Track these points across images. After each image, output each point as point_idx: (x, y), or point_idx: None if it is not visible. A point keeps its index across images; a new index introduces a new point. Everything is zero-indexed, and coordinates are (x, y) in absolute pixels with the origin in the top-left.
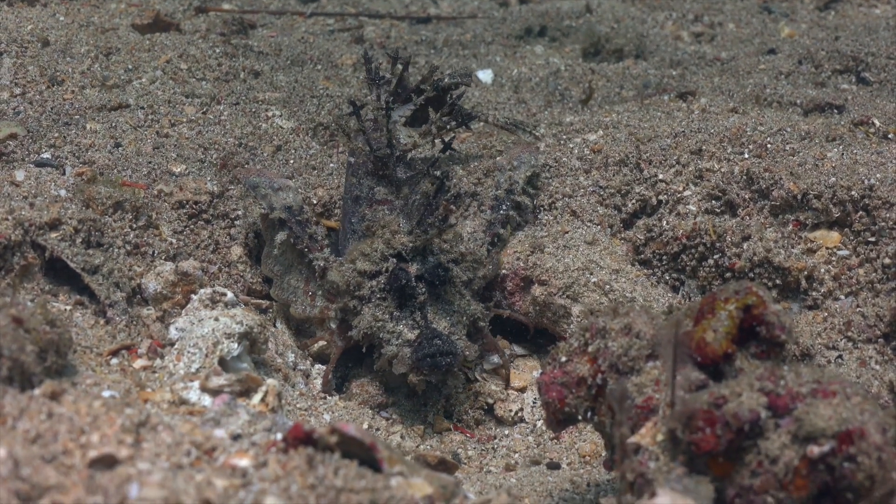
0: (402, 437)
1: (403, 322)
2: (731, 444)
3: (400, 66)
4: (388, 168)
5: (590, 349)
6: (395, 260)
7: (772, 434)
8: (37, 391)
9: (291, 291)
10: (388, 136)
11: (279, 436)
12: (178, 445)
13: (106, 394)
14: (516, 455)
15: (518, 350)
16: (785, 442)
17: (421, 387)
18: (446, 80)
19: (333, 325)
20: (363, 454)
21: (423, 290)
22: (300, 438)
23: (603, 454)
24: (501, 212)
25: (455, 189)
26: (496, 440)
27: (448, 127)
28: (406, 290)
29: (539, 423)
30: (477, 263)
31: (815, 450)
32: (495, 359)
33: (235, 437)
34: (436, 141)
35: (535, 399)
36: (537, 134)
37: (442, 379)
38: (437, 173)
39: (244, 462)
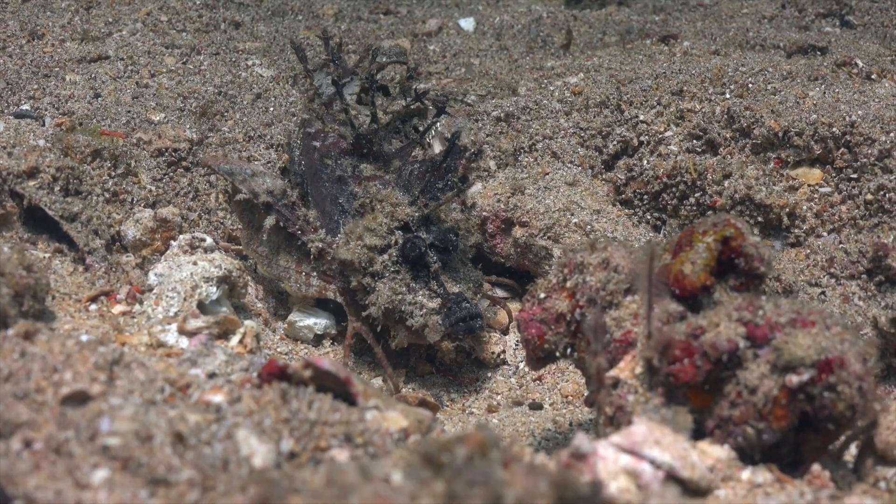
0: (383, 380)
1: (421, 293)
2: (710, 374)
3: (333, 46)
4: (373, 144)
5: (568, 284)
6: (401, 232)
7: (751, 364)
8: (10, 331)
9: (283, 270)
10: (373, 113)
11: (255, 374)
12: (152, 382)
13: (84, 338)
14: (499, 396)
15: (499, 292)
16: (764, 372)
17: (451, 355)
18: (383, 58)
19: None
20: (338, 388)
21: (435, 258)
22: (274, 374)
23: (585, 394)
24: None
25: (475, 146)
26: (478, 382)
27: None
28: (422, 259)
29: (521, 365)
30: (468, 232)
31: (794, 379)
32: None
33: (211, 376)
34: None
35: (517, 342)
36: (468, 101)
37: (472, 343)
38: (448, 134)
39: (218, 398)
